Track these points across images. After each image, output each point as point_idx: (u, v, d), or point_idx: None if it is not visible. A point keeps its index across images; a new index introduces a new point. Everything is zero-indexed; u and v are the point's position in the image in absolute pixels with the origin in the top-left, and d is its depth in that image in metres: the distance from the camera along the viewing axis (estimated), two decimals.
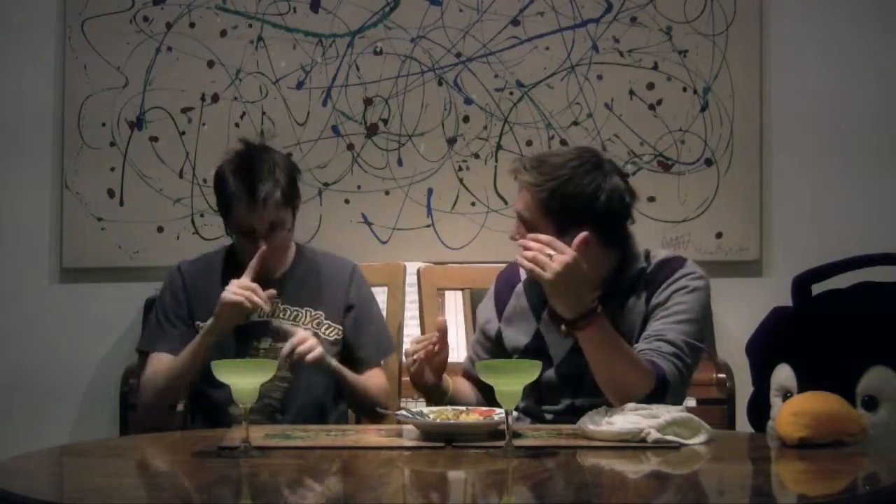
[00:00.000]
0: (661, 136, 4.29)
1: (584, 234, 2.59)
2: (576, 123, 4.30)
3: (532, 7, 4.30)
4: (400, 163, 4.31)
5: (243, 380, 2.39)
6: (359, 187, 4.30)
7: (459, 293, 3.90)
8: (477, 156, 4.31)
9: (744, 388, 3.37)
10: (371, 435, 2.58)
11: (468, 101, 4.30)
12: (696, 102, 4.29)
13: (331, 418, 3.07)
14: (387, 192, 4.30)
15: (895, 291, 3.02)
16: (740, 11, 4.28)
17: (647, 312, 2.72)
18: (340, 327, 3.11)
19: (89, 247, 4.27)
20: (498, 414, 2.49)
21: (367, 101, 4.30)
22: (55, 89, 4.29)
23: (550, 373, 2.75)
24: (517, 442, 2.37)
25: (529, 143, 4.29)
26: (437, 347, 2.71)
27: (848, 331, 2.93)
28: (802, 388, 2.87)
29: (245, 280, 2.97)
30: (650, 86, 4.29)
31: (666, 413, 2.43)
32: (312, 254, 3.21)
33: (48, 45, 4.30)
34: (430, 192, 4.31)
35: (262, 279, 3.02)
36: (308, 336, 2.94)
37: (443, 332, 2.72)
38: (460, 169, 4.31)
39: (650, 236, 4.11)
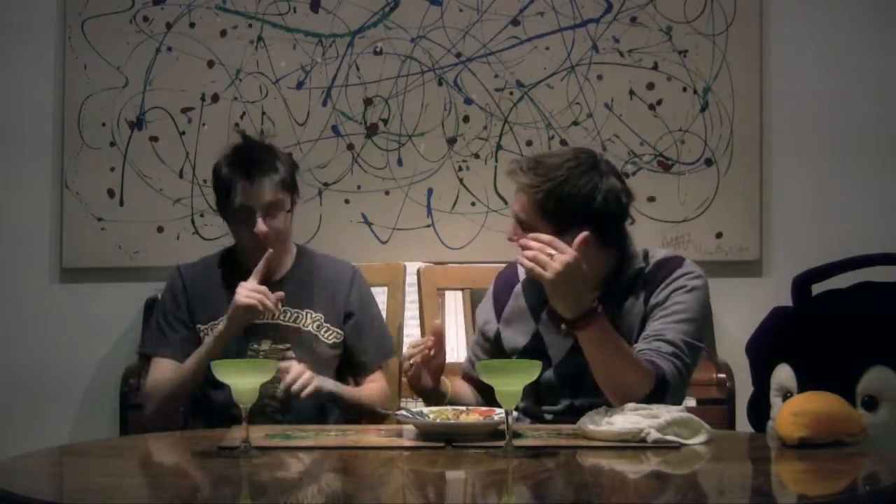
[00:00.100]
0: (661, 136, 4.29)
1: (584, 233, 2.59)
2: (576, 123, 4.30)
3: (532, 7, 4.30)
4: (400, 163, 4.31)
5: (243, 380, 2.39)
6: (359, 187, 4.30)
7: (459, 293, 3.90)
8: (477, 156, 4.31)
9: (744, 388, 3.37)
10: (371, 435, 2.58)
11: (468, 101, 4.30)
12: (696, 102, 4.29)
13: (331, 418, 3.07)
14: (387, 192, 4.30)
15: (895, 291, 3.02)
16: (740, 11, 4.29)
17: (645, 312, 2.72)
18: (340, 332, 3.12)
19: (89, 247, 4.27)
20: (498, 414, 2.49)
21: (367, 101, 4.30)
22: (55, 89, 4.29)
23: (549, 373, 2.75)
24: (517, 442, 2.37)
25: (529, 143, 4.29)
26: (433, 351, 2.71)
27: (848, 331, 2.93)
28: (802, 388, 2.87)
29: (254, 283, 2.97)
30: (650, 86, 4.29)
31: (666, 413, 2.43)
32: (313, 256, 3.21)
33: (48, 45, 4.30)
34: (430, 192, 4.31)
35: (263, 280, 3.03)
36: (301, 371, 2.93)
37: (439, 336, 2.72)
38: (460, 169, 4.31)
39: (650, 236, 4.11)
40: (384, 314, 3.28)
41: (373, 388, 3.13)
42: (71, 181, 4.27)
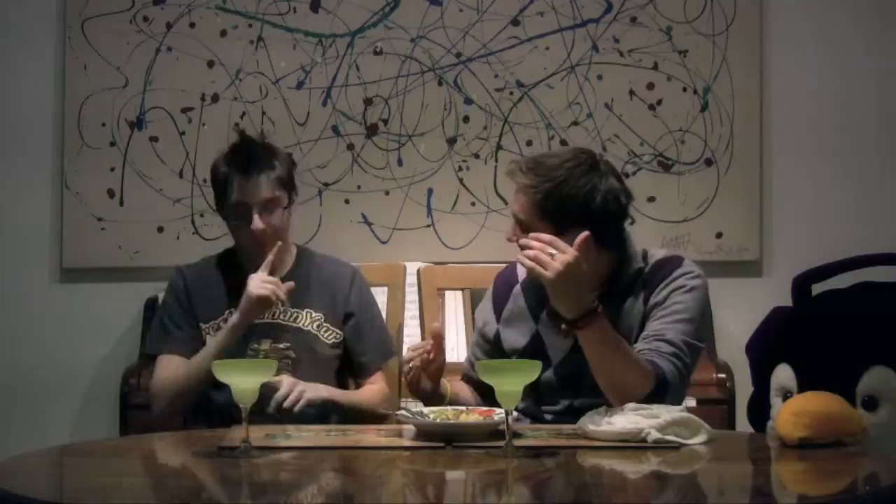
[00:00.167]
0: (661, 136, 4.29)
1: (585, 233, 2.59)
2: (576, 123, 4.30)
3: (532, 7, 4.29)
4: (400, 163, 4.31)
5: (243, 380, 2.39)
6: (359, 187, 4.30)
7: (459, 293, 3.89)
8: (477, 156, 4.31)
9: (744, 388, 3.37)
10: (371, 435, 2.58)
11: (468, 101, 4.30)
12: (696, 102, 4.29)
13: (332, 419, 3.07)
14: (387, 192, 4.30)
15: (895, 291, 3.02)
16: (740, 11, 4.28)
17: (645, 312, 2.72)
18: (340, 332, 3.12)
19: (89, 247, 4.27)
20: (498, 414, 2.49)
21: (367, 101, 4.30)
22: (55, 89, 4.29)
23: (549, 373, 2.76)
24: (517, 442, 2.37)
25: (529, 143, 4.29)
26: (432, 355, 2.71)
27: (848, 331, 2.93)
28: (802, 388, 2.88)
29: (264, 274, 2.98)
30: (650, 86, 4.29)
31: (666, 413, 2.43)
32: (313, 256, 3.21)
33: (48, 45, 4.30)
34: (430, 192, 4.31)
35: (272, 273, 3.03)
36: (292, 385, 2.92)
37: (438, 339, 2.72)
38: (460, 169, 4.31)
39: (650, 236, 4.11)
40: (384, 314, 3.29)
41: (372, 390, 3.13)
42: (71, 181, 4.27)
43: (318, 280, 3.12)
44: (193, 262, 3.22)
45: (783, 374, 2.98)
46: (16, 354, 4.26)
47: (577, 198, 2.66)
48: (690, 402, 3.61)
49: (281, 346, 3.07)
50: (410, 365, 2.71)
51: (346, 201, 4.29)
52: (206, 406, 3.05)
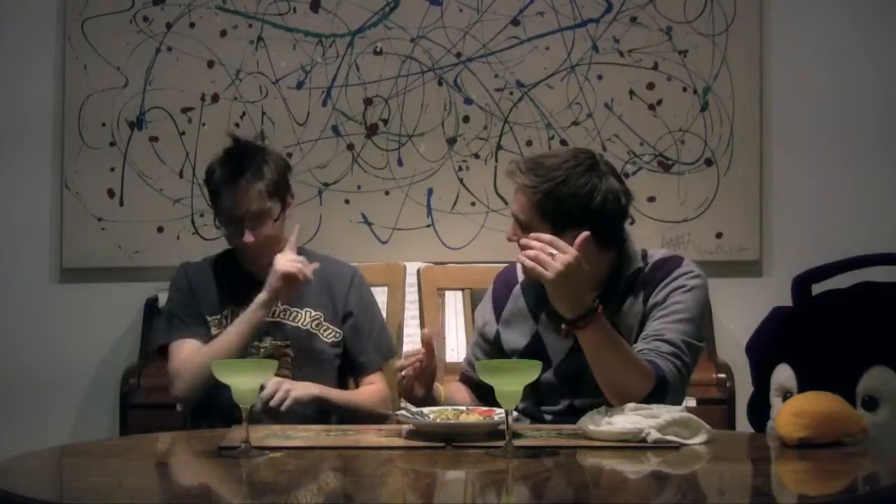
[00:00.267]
0: (661, 136, 4.29)
1: (585, 233, 2.59)
2: (576, 123, 4.30)
3: (532, 7, 4.30)
4: (400, 163, 4.31)
5: (243, 380, 2.39)
6: (359, 187, 4.30)
7: (459, 293, 3.89)
8: (477, 156, 4.31)
9: (744, 388, 3.37)
10: (371, 435, 2.58)
11: (468, 101, 4.30)
12: (696, 102, 4.29)
13: (332, 419, 3.07)
14: (387, 192, 4.30)
15: (895, 291, 3.02)
16: (740, 11, 4.28)
17: (645, 312, 2.72)
18: (339, 331, 3.12)
19: (89, 247, 4.27)
20: (498, 414, 2.49)
21: (367, 101, 4.30)
22: (55, 89, 4.30)
23: (549, 374, 2.75)
24: (517, 442, 2.37)
25: (529, 143, 4.29)
26: (423, 363, 2.71)
27: (848, 331, 2.93)
28: (802, 388, 2.88)
29: (290, 254, 3.00)
30: (650, 86, 4.29)
31: (666, 413, 2.43)
32: (313, 255, 3.21)
33: (48, 45, 4.30)
34: (430, 192, 4.31)
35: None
36: (278, 384, 2.91)
37: (430, 346, 2.72)
38: (460, 169, 4.31)
39: (650, 236, 4.11)
40: (384, 314, 3.28)
41: (370, 390, 3.13)
42: (71, 181, 4.27)
43: (318, 280, 3.11)
44: (196, 261, 3.22)
45: (783, 374, 2.98)
46: (16, 354, 4.26)
47: (576, 198, 2.66)
48: (690, 402, 3.61)
49: (281, 343, 3.07)
50: (403, 373, 2.71)
51: (346, 201, 4.30)
52: (206, 406, 3.05)
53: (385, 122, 4.30)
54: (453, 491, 2.21)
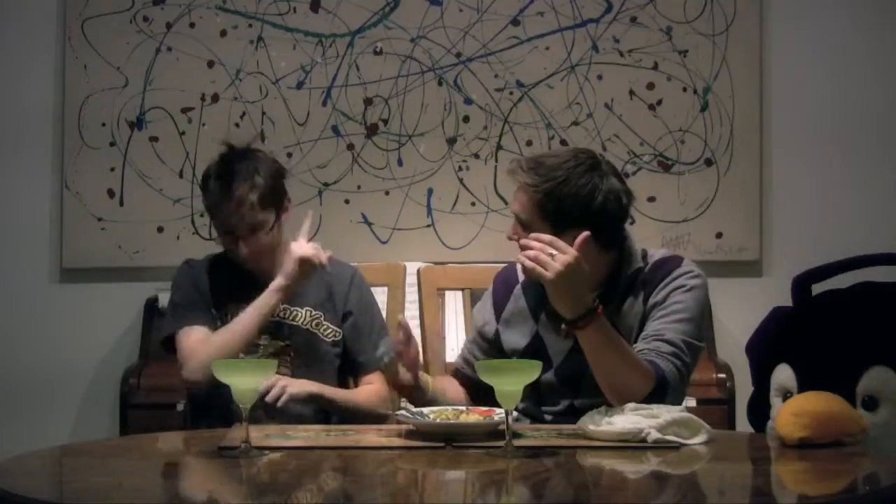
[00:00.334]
0: (661, 136, 4.29)
1: (585, 233, 2.59)
2: (576, 123, 4.30)
3: (532, 7, 4.30)
4: (400, 163, 4.31)
5: (243, 380, 2.39)
6: (359, 187, 4.30)
7: (459, 293, 3.88)
8: (477, 156, 4.31)
9: (744, 388, 3.37)
10: (371, 435, 2.57)
11: (468, 101, 4.30)
12: (696, 102, 4.29)
13: (333, 419, 3.07)
14: (387, 192, 4.31)
15: (895, 291, 3.02)
16: (740, 11, 4.29)
17: (644, 312, 2.72)
18: (339, 330, 3.12)
19: (89, 247, 4.27)
20: (498, 414, 2.49)
21: (367, 101, 4.30)
22: (55, 89, 4.30)
23: (549, 374, 2.75)
24: (517, 442, 2.37)
25: (529, 143, 4.29)
26: (402, 346, 2.71)
27: (848, 331, 2.93)
28: (802, 388, 2.88)
29: (304, 241, 3.02)
30: (650, 86, 4.29)
31: (666, 413, 2.43)
32: None
33: (48, 45, 4.30)
34: (430, 192, 4.31)
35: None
36: (275, 381, 2.91)
37: (406, 330, 2.72)
38: (460, 169, 4.31)
39: (650, 236, 4.11)
40: (384, 314, 3.28)
41: (369, 390, 3.12)
42: (71, 181, 4.27)
43: (318, 279, 3.11)
44: (198, 259, 3.22)
45: (783, 374, 2.98)
46: (16, 354, 4.26)
47: (577, 197, 2.66)
48: (690, 402, 3.61)
49: (281, 342, 3.07)
50: (385, 361, 2.71)
51: (346, 201, 4.30)
52: (206, 406, 3.05)
53: (385, 122, 4.30)
54: (453, 491, 2.21)
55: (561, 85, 4.30)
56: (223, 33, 4.29)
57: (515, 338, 2.84)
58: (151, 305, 4.15)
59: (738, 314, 4.04)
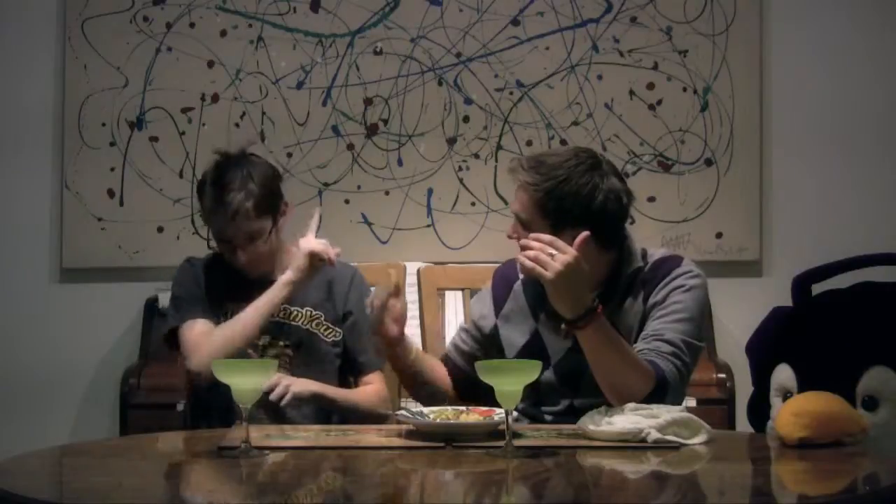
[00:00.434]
0: (661, 136, 4.29)
1: (585, 233, 2.59)
2: (576, 123, 4.30)
3: (532, 7, 4.30)
4: (400, 163, 4.31)
5: (243, 380, 2.39)
6: (359, 187, 4.30)
7: (459, 293, 3.88)
8: (477, 156, 4.31)
9: (744, 388, 3.37)
10: (371, 435, 2.57)
11: (468, 101, 4.30)
12: (696, 102, 4.29)
13: (334, 419, 3.07)
14: (387, 192, 4.31)
15: (895, 291, 3.02)
16: (740, 11, 4.29)
17: (644, 312, 2.72)
18: (339, 330, 3.12)
19: (89, 247, 4.27)
20: (498, 414, 2.49)
21: (367, 101, 4.30)
22: (55, 89, 4.30)
23: (549, 373, 2.75)
24: (517, 442, 2.37)
25: (529, 143, 4.29)
26: (392, 297, 2.71)
27: (848, 331, 2.93)
28: (802, 388, 2.88)
29: (312, 237, 3.04)
30: (650, 86, 4.29)
31: (666, 413, 2.43)
32: None
33: (48, 45, 4.30)
34: (430, 192, 4.31)
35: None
36: (279, 380, 2.91)
37: (397, 287, 2.73)
38: (460, 169, 4.31)
39: (650, 236, 4.11)
40: None
41: (369, 389, 3.13)
42: (71, 181, 4.27)
43: (318, 279, 3.11)
44: (199, 257, 3.22)
45: (783, 374, 2.98)
46: (16, 354, 4.27)
47: (578, 196, 2.65)
48: (690, 402, 3.61)
49: (281, 342, 3.07)
50: (373, 307, 2.70)
51: (346, 201, 4.30)
52: (206, 406, 3.05)
53: (385, 122, 4.30)
54: (453, 491, 2.21)
55: (561, 85, 4.30)
56: (223, 33, 4.30)
57: (514, 335, 2.84)
58: (151, 305, 4.15)
59: (738, 314, 4.04)
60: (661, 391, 2.59)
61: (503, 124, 4.30)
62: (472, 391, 2.78)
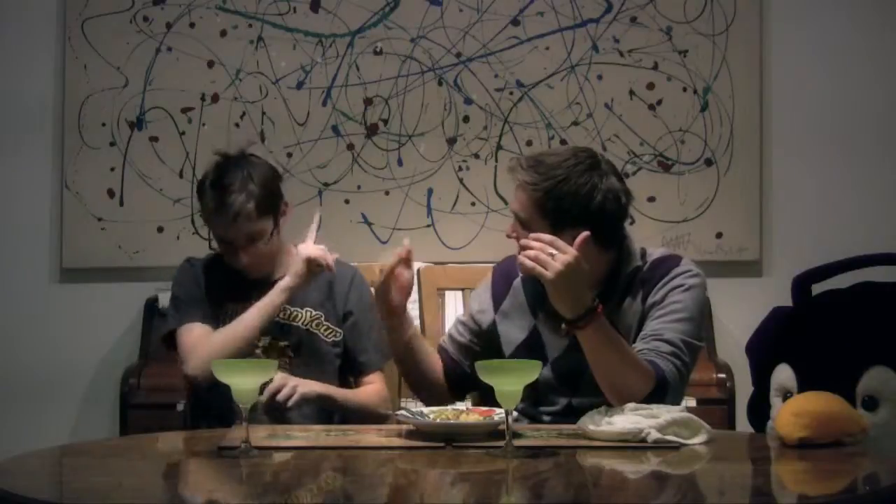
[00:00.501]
0: (661, 136, 4.29)
1: (585, 233, 2.59)
2: (576, 123, 4.30)
3: (532, 7, 4.30)
4: (400, 163, 4.31)
5: (243, 380, 2.39)
6: (359, 187, 4.30)
7: (459, 293, 3.87)
8: (477, 156, 4.31)
9: (744, 388, 3.37)
10: (371, 435, 2.57)
11: (468, 101, 4.31)
12: (696, 102, 4.29)
13: (335, 419, 3.07)
14: (387, 192, 4.31)
15: (895, 291, 3.02)
16: (740, 11, 4.29)
17: (643, 312, 2.72)
18: (339, 330, 3.12)
19: (89, 247, 4.27)
20: (498, 414, 2.49)
21: (367, 101, 4.30)
22: (55, 89, 4.30)
23: (546, 371, 2.75)
24: (517, 442, 2.37)
25: (529, 143, 4.29)
26: (401, 266, 2.71)
27: (848, 331, 2.93)
28: (802, 388, 2.88)
29: (311, 243, 3.04)
30: (650, 86, 4.29)
31: (666, 413, 2.43)
32: None
33: (48, 45, 4.30)
34: (430, 192, 4.31)
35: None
36: (286, 380, 2.91)
37: (408, 255, 2.72)
38: (460, 169, 4.31)
39: (650, 236, 4.11)
40: None
41: (370, 389, 3.13)
42: (71, 181, 4.27)
43: (318, 279, 3.11)
44: (199, 257, 3.22)
45: (783, 374, 2.98)
46: (16, 354, 4.27)
47: (577, 196, 2.65)
48: (690, 402, 3.61)
49: (281, 343, 3.07)
50: (380, 270, 2.70)
51: (346, 201, 4.30)
52: (206, 406, 3.05)
53: (385, 122, 4.30)
54: (453, 491, 2.21)
55: (561, 85, 4.30)
56: (223, 33, 4.30)
57: (513, 331, 2.84)
58: (151, 305, 4.15)
59: (738, 314, 4.04)
60: (661, 391, 2.59)
61: (503, 124, 4.30)
62: (462, 383, 2.79)
